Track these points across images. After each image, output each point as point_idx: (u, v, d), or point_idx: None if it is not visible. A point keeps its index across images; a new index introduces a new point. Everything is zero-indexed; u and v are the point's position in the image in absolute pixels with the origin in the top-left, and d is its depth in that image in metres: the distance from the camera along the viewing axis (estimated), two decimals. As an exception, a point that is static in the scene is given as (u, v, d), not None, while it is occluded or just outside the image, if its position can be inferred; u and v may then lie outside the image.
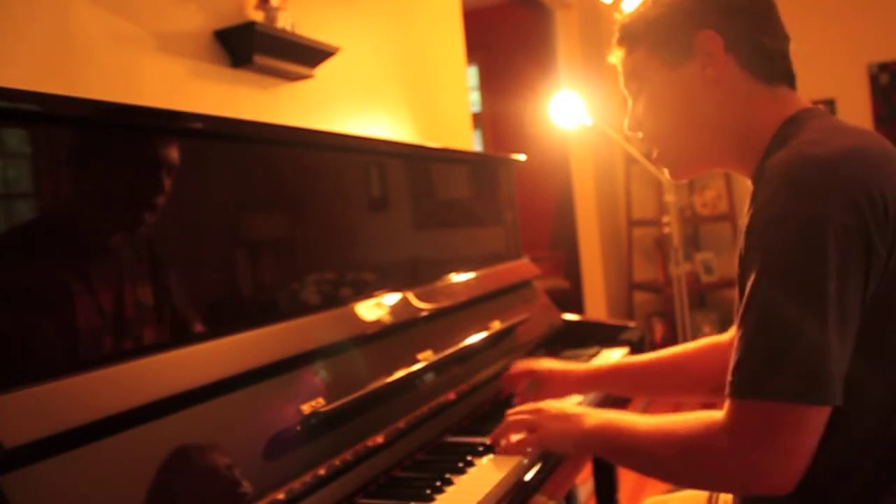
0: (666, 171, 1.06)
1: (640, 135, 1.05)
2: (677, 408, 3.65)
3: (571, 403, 1.10)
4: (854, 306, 0.78)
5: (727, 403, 0.82)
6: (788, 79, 0.96)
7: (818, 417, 0.77)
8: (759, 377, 0.78)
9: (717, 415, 0.83)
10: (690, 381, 1.26)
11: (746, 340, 0.80)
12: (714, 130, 0.97)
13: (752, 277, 0.80)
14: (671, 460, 0.88)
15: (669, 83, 0.98)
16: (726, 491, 0.94)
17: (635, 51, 1.01)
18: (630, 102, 1.05)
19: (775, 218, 0.80)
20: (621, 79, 1.05)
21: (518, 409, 1.12)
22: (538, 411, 1.08)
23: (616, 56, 1.05)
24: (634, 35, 1.01)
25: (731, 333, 1.21)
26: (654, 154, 1.04)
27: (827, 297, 0.76)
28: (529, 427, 1.08)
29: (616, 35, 1.04)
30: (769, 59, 0.95)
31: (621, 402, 1.55)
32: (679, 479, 0.95)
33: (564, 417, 1.04)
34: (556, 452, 1.11)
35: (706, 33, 0.94)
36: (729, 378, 0.81)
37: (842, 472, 0.83)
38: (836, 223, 0.76)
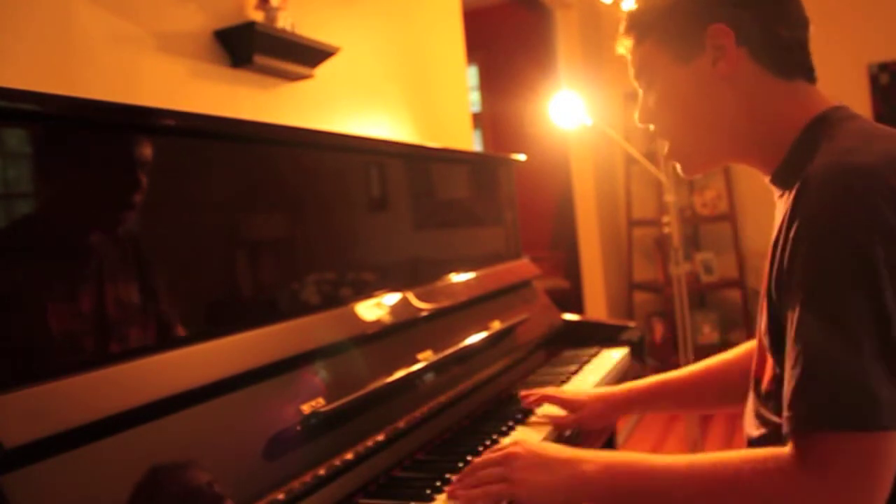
0: (678, 167, 1.02)
1: (651, 127, 1.01)
2: (665, 432, 3.65)
3: (544, 442, 0.94)
4: None
5: (794, 441, 0.76)
6: (806, 72, 0.93)
7: (891, 444, 0.73)
8: (825, 407, 0.73)
9: (781, 452, 0.77)
10: (735, 390, 1.16)
11: (803, 370, 0.75)
12: (729, 127, 0.94)
13: (801, 301, 0.76)
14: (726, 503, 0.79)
15: (680, 78, 0.94)
16: None
17: (644, 42, 0.97)
18: (641, 94, 1.01)
19: (824, 235, 0.76)
20: (631, 69, 1.01)
21: (485, 458, 0.95)
22: (509, 458, 0.91)
23: (624, 46, 1.01)
24: (643, 25, 0.97)
25: None
26: (666, 149, 1.01)
27: (889, 316, 0.73)
28: (500, 480, 0.90)
29: (624, 24, 1.00)
30: (785, 51, 0.91)
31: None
32: None
33: (545, 464, 0.90)
34: None
35: (717, 27, 0.90)
36: (787, 412, 0.76)
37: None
38: (888, 233, 0.73)
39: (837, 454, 0.73)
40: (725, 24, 0.90)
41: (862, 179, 0.76)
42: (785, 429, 0.77)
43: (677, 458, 0.84)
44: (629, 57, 1.01)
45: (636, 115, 1.03)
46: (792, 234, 0.79)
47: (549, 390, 1.33)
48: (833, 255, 0.75)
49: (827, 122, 0.88)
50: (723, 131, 0.94)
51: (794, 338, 0.77)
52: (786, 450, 0.77)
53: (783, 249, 0.81)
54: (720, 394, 1.21)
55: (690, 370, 1.25)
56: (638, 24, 0.98)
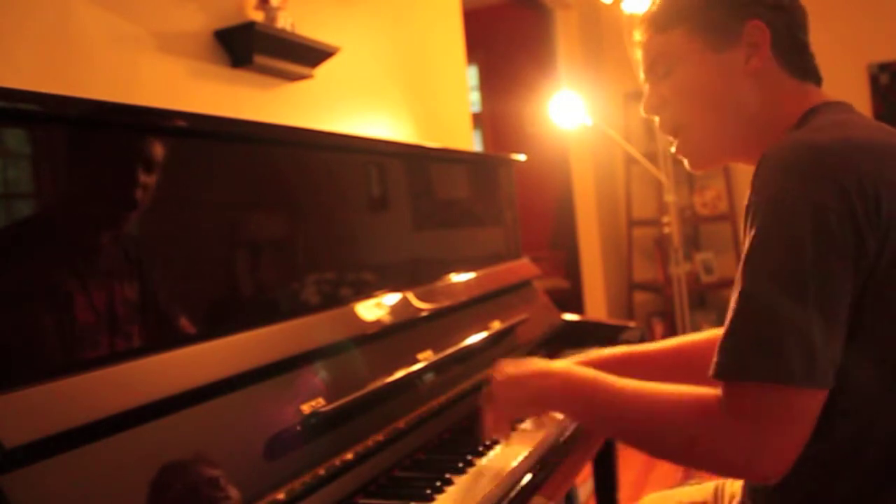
0: (686, 162, 1.03)
1: (657, 120, 1.02)
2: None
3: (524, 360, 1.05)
4: (840, 292, 0.77)
5: (722, 386, 0.81)
6: (816, 77, 0.97)
7: (810, 401, 0.77)
8: (745, 358, 0.78)
9: (712, 394, 0.82)
10: (702, 370, 1.23)
11: (732, 322, 0.80)
12: (742, 121, 0.96)
13: (741, 260, 0.81)
14: (659, 433, 0.86)
15: (710, 67, 0.96)
16: (715, 472, 0.91)
17: (672, 30, 0.98)
18: (647, 86, 1.02)
19: (763, 201, 0.80)
20: (644, 59, 1.02)
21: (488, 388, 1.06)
22: (493, 387, 1.03)
23: (643, 33, 1.02)
24: (676, 14, 0.98)
25: None
26: (675, 143, 1.02)
27: (807, 282, 0.76)
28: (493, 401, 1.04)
29: (651, 10, 1.01)
30: (805, 56, 0.96)
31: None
32: (667, 456, 0.91)
33: (518, 382, 1.00)
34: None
35: (756, 23, 0.93)
36: (715, 358, 0.81)
37: (839, 467, 0.83)
38: (820, 207, 0.76)
39: (758, 404, 0.77)
40: (763, 22, 0.93)
41: (806, 154, 0.80)
42: (710, 372, 0.81)
43: (630, 383, 0.90)
44: (643, 47, 1.02)
45: (642, 106, 1.03)
46: (746, 204, 0.83)
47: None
48: (769, 220, 0.79)
49: (814, 113, 0.91)
50: (738, 125, 0.97)
51: (734, 293, 0.81)
52: (715, 392, 0.82)
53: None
54: (686, 372, 1.20)
55: (659, 346, 1.27)
56: (670, 12, 0.99)
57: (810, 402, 0.77)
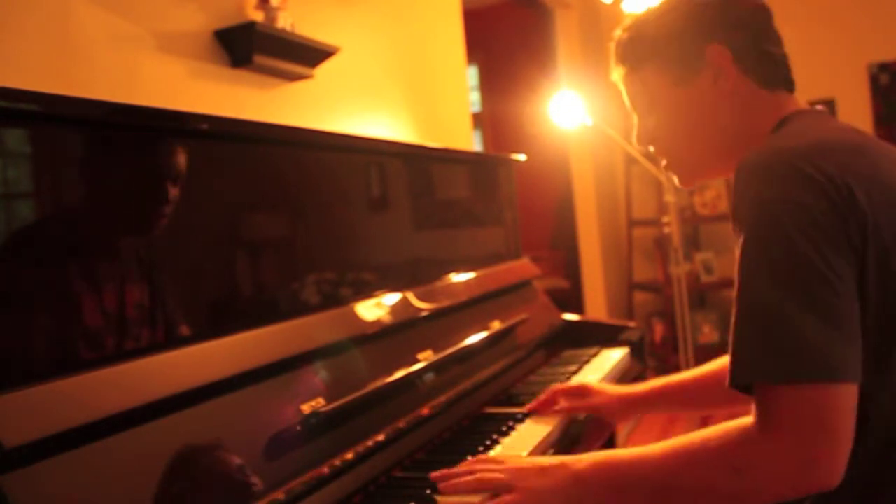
0: (675, 179, 1.07)
1: (652, 149, 1.06)
2: (664, 434, 3.64)
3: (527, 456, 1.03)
4: (843, 282, 0.77)
5: (755, 405, 0.80)
6: (787, 84, 0.99)
7: (840, 397, 0.75)
8: (758, 360, 0.77)
9: (743, 421, 0.81)
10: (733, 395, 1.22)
11: (737, 330, 0.80)
12: (725, 138, 0.99)
13: (737, 267, 0.82)
14: (706, 480, 0.82)
15: (682, 100, 0.99)
16: (777, 497, 0.83)
17: (642, 69, 1.02)
18: (636, 118, 1.06)
19: (745, 208, 0.82)
20: (626, 95, 1.06)
21: (482, 463, 0.98)
22: (512, 470, 0.94)
23: (618, 73, 1.06)
24: (643, 51, 1.01)
25: None
26: (664, 163, 1.06)
27: (803, 276, 0.76)
28: (503, 487, 0.92)
29: (616, 53, 1.05)
30: (773, 66, 0.97)
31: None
32: (718, 499, 0.85)
33: (543, 471, 0.92)
34: None
35: (715, 47, 0.95)
36: (729, 369, 0.80)
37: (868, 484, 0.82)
38: (800, 205, 0.77)
39: (789, 410, 0.76)
40: (722, 44, 0.95)
41: (775, 157, 0.82)
42: (727, 383, 0.81)
43: (655, 446, 0.89)
44: (622, 85, 1.06)
45: (634, 139, 1.07)
46: (731, 213, 0.85)
47: (557, 385, 1.36)
48: (757, 225, 0.80)
49: (786, 122, 0.94)
50: (721, 143, 1.00)
51: (735, 301, 0.81)
52: (745, 420, 0.81)
53: None
54: (725, 396, 1.21)
55: (691, 374, 1.27)
56: (632, 53, 1.03)
57: (840, 399, 0.75)
